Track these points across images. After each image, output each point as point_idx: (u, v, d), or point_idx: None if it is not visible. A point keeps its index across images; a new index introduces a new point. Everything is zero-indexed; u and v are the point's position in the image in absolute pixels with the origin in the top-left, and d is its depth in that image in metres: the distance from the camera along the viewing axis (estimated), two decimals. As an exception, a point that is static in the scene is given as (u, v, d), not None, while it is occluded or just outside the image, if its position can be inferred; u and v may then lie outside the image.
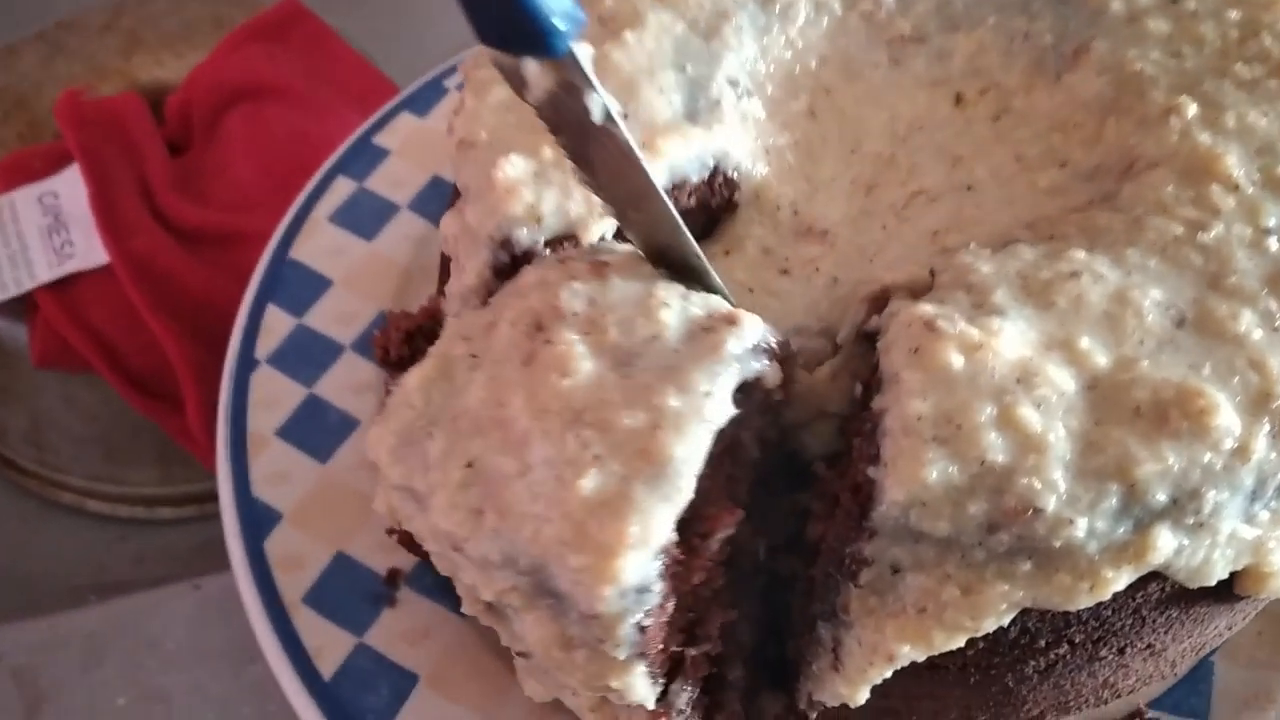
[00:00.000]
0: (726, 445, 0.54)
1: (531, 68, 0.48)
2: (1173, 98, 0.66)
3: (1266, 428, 0.53)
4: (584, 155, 0.53)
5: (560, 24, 0.45)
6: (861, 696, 0.58)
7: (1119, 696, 0.65)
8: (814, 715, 0.62)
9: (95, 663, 0.76)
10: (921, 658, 0.55)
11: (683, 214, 0.64)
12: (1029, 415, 0.52)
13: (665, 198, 0.56)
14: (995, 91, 0.73)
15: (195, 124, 1.24)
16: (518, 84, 0.49)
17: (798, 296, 0.68)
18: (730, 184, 0.68)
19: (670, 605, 0.52)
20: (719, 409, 0.51)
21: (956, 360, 0.53)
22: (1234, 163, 0.62)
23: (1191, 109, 0.65)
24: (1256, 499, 0.54)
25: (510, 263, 0.62)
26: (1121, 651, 0.60)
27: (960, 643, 0.54)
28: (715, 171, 0.67)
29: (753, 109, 0.72)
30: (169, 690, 0.75)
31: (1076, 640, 0.58)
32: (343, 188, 0.95)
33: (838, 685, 0.58)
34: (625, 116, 0.65)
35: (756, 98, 0.72)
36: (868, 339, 0.62)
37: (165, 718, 0.74)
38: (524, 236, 0.61)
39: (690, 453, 0.50)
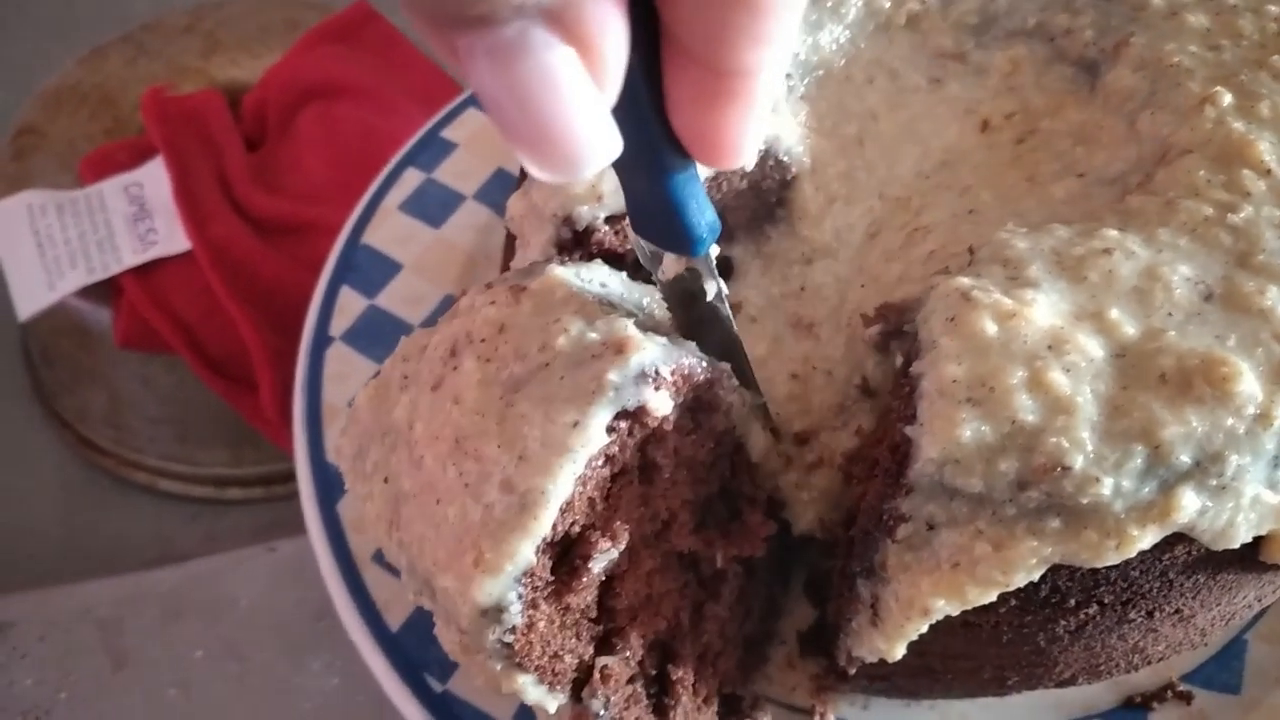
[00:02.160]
0: (619, 471, 0.56)
1: (671, 258, 0.58)
2: (1208, 88, 0.69)
3: (1289, 395, 0.55)
4: (690, 318, 0.62)
5: (706, 235, 0.53)
6: (899, 651, 0.60)
7: (1149, 663, 0.67)
8: (853, 671, 0.65)
9: (174, 618, 0.81)
10: (955, 611, 0.57)
11: (734, 195, 0.68)
12: (1059, 379, 0.55)
13: (745, 353, 0.65)
14: (1023, 115, 0.76)
15: (270, 121, 1.31)
16: (653, 264, 0.58)
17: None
18: (781, 167, 0.72)
19: (541, 623, 0.55)
20: (587, 440, 0.52)
21: (990, 327, 0.56)
22: (1266, 149, 0.65)
23: (1226, 98, 0.68)
24: (1278, 465, 0.56)
25: (573, 238, 0.67)
26: (1150, 615, 0.62)
27: (992, 597, 0.57)
28: (766, 155, 0.70)
29: (803, 106, 0.76)
30: (244, 644, 0.80)
31: (1106, 601, 0.60)
32: (412, 179, 1.01)
33: (876, 640, 0.61)
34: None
35: (806, 97, 0.76)
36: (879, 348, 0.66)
37: (240, 669, 0.79)
38: (585, 213, 0.66)
39: (551, 484, 0.51)
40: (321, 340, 0.89)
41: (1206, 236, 0.62)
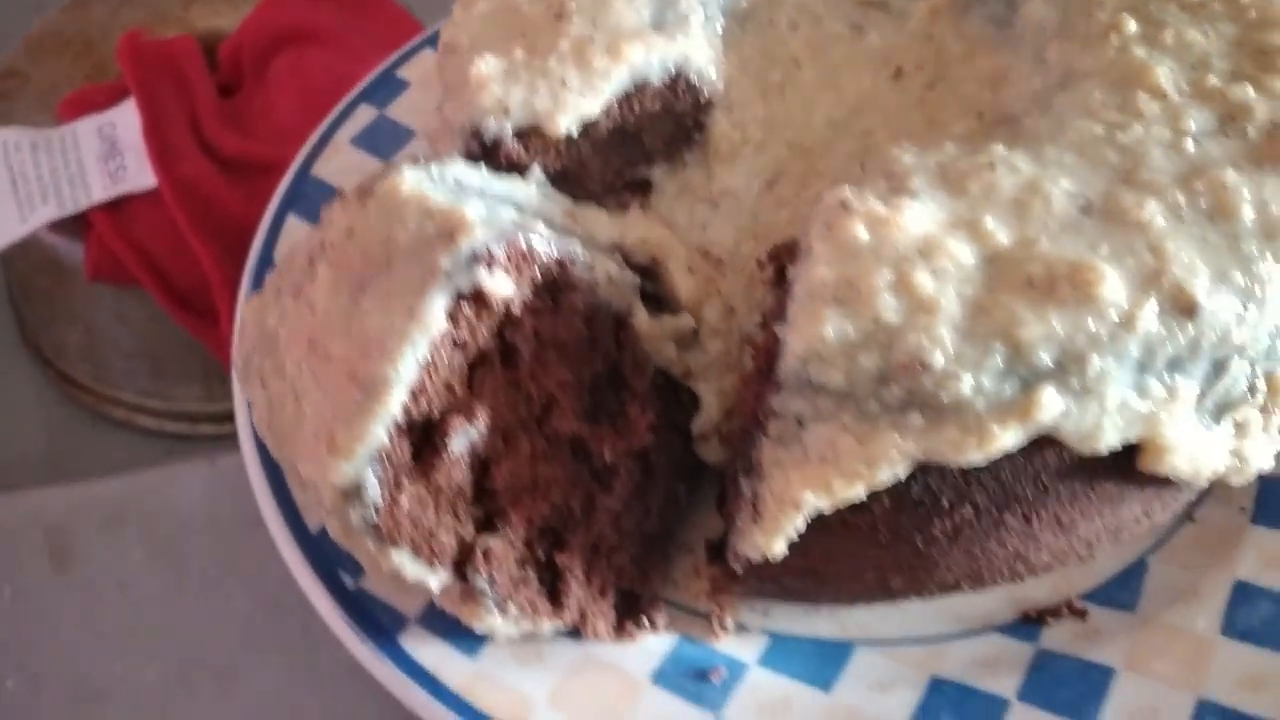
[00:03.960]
0: (477, 357, 0.59)
1: None
2: (1115, 16, 0.70)
3: (1155, 302, 0.57)
4: None
5: None
6: (778, 548, 0.62)
7: (1034, 572, 0.69)
8: (740, 569, 0.67)
9: (118, 523, 0.85)
10: (826, 506, 0.59)
11: (649, 118, 0.70)
12: (924, 280, 0.57)
13: None
14: (935, 62, 0.77)
15: (245, 68, 1.33)
16: None
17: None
18: (693, 89, 0.73)
19: (407, 501, 0.58)
20: (425, 326, 0.55)
21: (862, 233, 0.58)
22: (1164, 74, 0.66)
23: (1132, 26, 0.69)
24: (1146, 370, 0.58)
25: (481, 151, 0.69)
26: (1027, 520, 0.64)
27: (859, 491, 0.58)
28: (677, 77, 0.72)
29: (720, 39, 0.77)
30: (181, 549, 0.84)
31: (980, 503, 0.62)
32: (365, 114, 1.03)
33: (756, 537, 0.63)
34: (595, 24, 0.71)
35: (723, 27, 0.78)
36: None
37: (176, 571, 0.82)
38: (491, 126, 0.68)
39: (392, 369, 0.55)
40: (264, 264, 0.92)
41: (1094, 154, 0.63)
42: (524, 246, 0.58)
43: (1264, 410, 0.66)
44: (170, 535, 0.83)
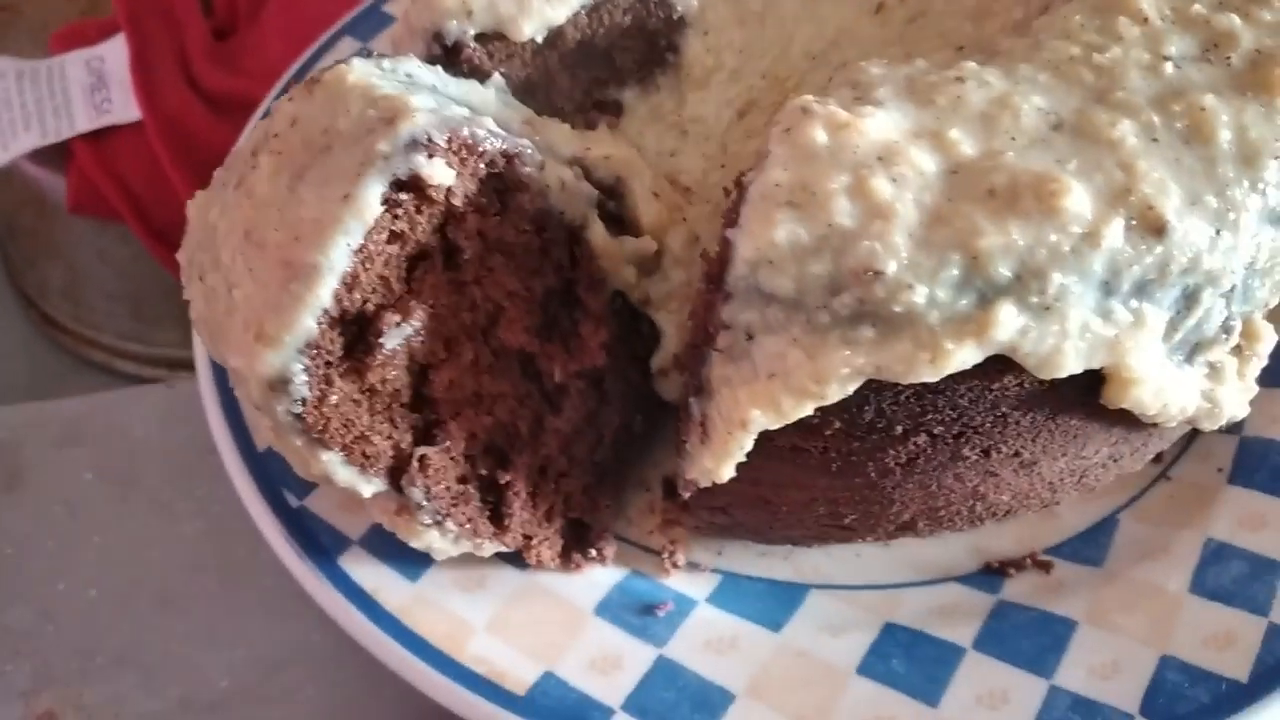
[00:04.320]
0: (418, 252, 0.57)
1: None
2: (1104, -53, 0.68)
3: (1122, 219, 0.54)
4: None
5: None
6: (726, 471, 0.60)
7: (994, 514, 0.66)
8: (687, 495, 0.64)
9: (71, 443, 0.83)
10: (774, 425, 0.57)
11: (620, 34, 0.68)
12: (881, 186, 0.54)
13: None
14: None
15: (240, 10, 1.32)
16: None
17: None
18: (665, 5, 0.71)
19: (336, 398, 0.56)
20: (359, 211, 0.53)
21: (820, 136, 0.56)
22: (1148, 1, 0.63)
23: (1119, -45, 0.66)
24: (1111, 293, 0.55)
25: (443, 54, 0.67)
26: (986, 454, 0.61)
27: (808, 409, 0.56)
28: (648, -13, 0.70)
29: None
30: (133, 471, 0.82)
31: (936, 431, 0.59)
32: (346, 47, 1.01)
33: (704, 460, 0.60)
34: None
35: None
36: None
37: (125, 493, 0.81)
38: (454, 28, 0.66)
39: (323, 256, 0.53)
40: (233, 186, 0.90)
41: (1069, 73, 0.60)
42: (467, 136, 0.56)
43: (1239, 354, 0.64)
44: (122, 457, 0.82)
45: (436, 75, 0.63)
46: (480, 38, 0.67)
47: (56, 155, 1.19)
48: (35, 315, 1.38)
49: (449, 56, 0.67)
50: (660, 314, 0.69)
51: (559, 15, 0.67)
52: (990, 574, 0.71)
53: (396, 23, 0.72)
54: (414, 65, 0.61)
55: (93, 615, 0.77)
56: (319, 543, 0.70)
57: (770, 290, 0.55)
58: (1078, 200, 0.54)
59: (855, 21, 0.75)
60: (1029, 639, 0.66)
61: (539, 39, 0.67)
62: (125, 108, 1.16)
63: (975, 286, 0.54)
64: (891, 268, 0.53)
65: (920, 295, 0.53)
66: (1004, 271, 0.53)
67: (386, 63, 0.61)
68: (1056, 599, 0.69)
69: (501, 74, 0.68)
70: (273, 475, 0.73)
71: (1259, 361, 0.65)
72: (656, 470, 0.75)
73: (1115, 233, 0.54)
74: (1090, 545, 0.72)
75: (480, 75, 0.67)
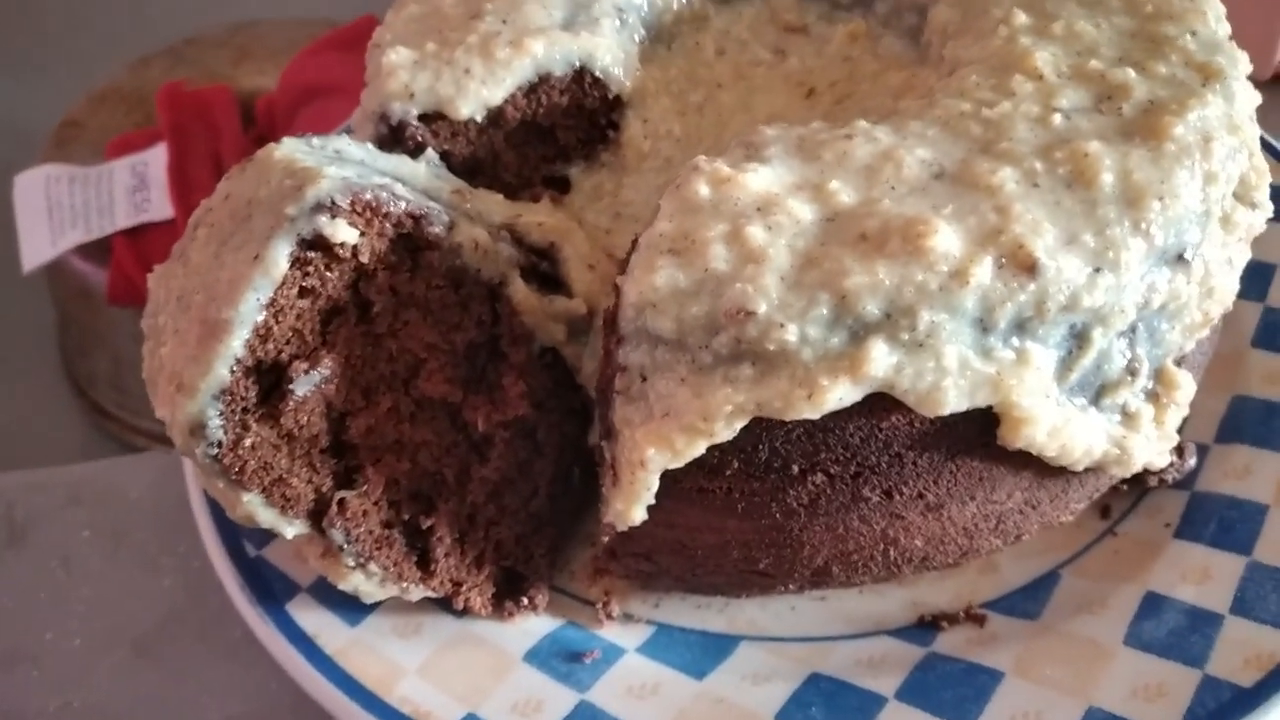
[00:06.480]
0: (332, 307, 0.61)
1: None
2: (1009, 11, 0.71)
3: (991, 257, 0.56)
4: None
5: None
6: (637, 513, 0.62)
7: (910, 561, 0.67)
8: (607, 539, 0.66)
9: (73, 504, 0.89)
10: (671, 464, 0.59)
11: (561, 114, 0.73)
12: (756, 233, 0.57)
13: None
14: (849, 80, 0.79)
15: (278, 120, 1.43)
16: None
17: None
18: (600, 85, 0.76)
19: (251, 442, 0.60)
20: (267, 269, 0.58)
21: (704, 190, 0.60)
22: (1045, 59, 0.66)
23: (1021, 18, 0.70)
24: (988, 330, 0.57)
25: (389, 134, 0.73)
26: (889, 495, 0.62)
27: (701, 448, 0.58)
28: (581, 71, 0.75)
29: (637, 46, 0.80)
30: (125, 528, 0.87)
31: (833, 471, 0.61)
32: (351, 142, 1.09)
33: (616, 502, 0.63)
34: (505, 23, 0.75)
35: (644, 39, 0.81)
36: None
37: (115, 548, 0.86)
38: (397, 109, 0.72)
39: (233, 311, 0.58)
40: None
41: (957, 127, 0.63)
42: (370, 199, 0.61)
43: (1156, 402, 0.64)
44: (117, 516, 0.88)
45: (366, 151, 0.68)
46: (424, 118, 0.72)
47: (101, 251, 1.30)
48: (85, 403, 1.47)
49: (395, 136, 0.73)
50: (585, 374, 0.73)
51: (495, 96, 0.73)
52: (923, 627, 0.71)
53: (359, 112, 0.78)
54: (343, 142, 0.68)
55: (73, 662, 0.81)
56: (271, 590, 0.73)
57: (656, 331, 0.58)
58: (945, 240, 0.56)
59: (786, 106, 0.79)
60: (951, 689, 0.66)
61: (479, 118, 0.73)
62: (161, 206, 1.27)
63: (846, 325, 0.56)
64: (762, 308, 0.56)
65: (792, 334, 0.56)
66: (873, 309, 0.56)
67: (316, 140, 0.67)
68: (987, 651, 0.68)
69: (445, 150, 0.74)
70: (236, 527, 0.77)
71: (1178, 410, 0.65)
72: (601, 525, 0.77)
73: (984, 271, 0.56)
74: (1029, 600, 0.72)
75: (422, 151, 0.73)
